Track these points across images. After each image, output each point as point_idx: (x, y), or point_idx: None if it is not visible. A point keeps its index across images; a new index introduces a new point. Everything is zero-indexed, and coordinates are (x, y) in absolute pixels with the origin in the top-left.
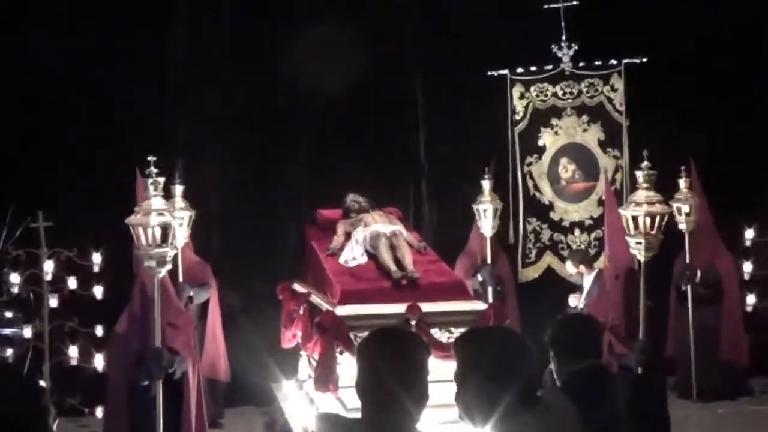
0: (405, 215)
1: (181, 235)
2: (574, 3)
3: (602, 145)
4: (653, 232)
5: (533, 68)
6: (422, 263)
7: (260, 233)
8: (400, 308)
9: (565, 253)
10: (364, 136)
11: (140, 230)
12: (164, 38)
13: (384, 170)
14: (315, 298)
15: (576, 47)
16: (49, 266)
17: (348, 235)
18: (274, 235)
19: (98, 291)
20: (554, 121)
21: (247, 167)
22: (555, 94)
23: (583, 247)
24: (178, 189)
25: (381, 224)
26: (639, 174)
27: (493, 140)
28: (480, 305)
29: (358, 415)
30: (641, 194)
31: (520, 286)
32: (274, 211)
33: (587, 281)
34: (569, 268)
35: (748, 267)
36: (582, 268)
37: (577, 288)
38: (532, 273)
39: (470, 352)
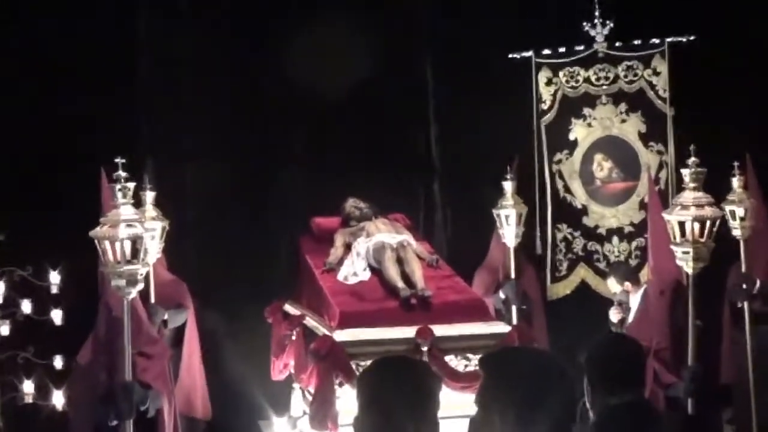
0: (414, 223)
1: (154, 249)
2: None
3: (643, 138)
4: (703, 240)
5: (562, 50)
6: (435, 279)
7: (246, 246)
8: (409, 332)
9: (601, 265)
10: (367, 133)
11: (107, 244)
12: (134, 19)
13: (390, 171)
14: (310, 321)
15: (611, 24)
16: None
17: (348, 247)
18: (262, 248)
19: (57, 316)
20: (587, 111)
21: (231, 169)
22: (588, 80)
23: (622, 258)
24: (150, 195)
25: (386, 234)
26: (686, 172)
27: (516, 135)
28: (503, 327)
29: None
30: (688, 195)
31: (549, 305)
32: (262, 220)
33: (635, 300)
34: (612, 286)
35: None
36: (628, 285)
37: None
38: (563, 289)
39: (498, 371)
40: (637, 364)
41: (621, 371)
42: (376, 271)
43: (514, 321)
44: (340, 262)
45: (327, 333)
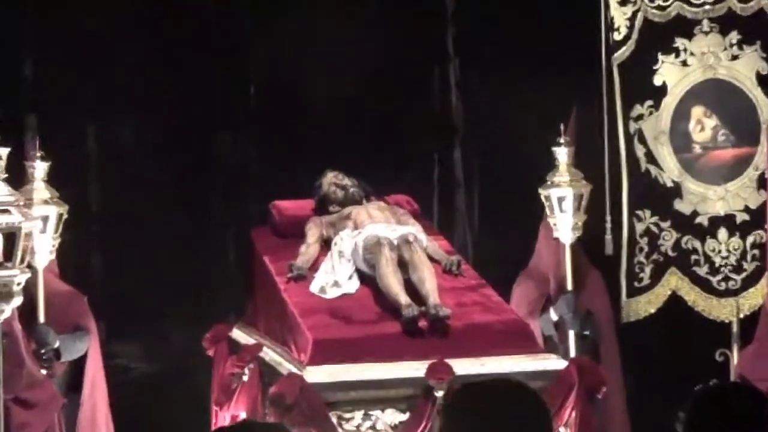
0: (424, 209)
1: (44, 247)
2: None
3: (765, 83)
4: None
5: None
6: (455, 291)
7: (176, 244)
8: (416, 370)
9: (701, 271)
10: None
11: None
12: None
13: (389, 133)
14: (269, 354)
15: None
16: None
17: (326, 244)
18: (199, 247)
19: None
20: (681, 43)
21: (159, 133)
22: None
23: (732, 260)
24: (39, 168)
25: (383, 224)
26: None
27: (575, 79)
28: (555, 362)
29: None
30: None
31: (624, 330)
32: (200, 206)
33: None
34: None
35: None
36: None
37: None
38: (645, 306)
39: (456, 419)
40: (761, 424)
41: None
42: (368, 280)
43: (572, 353)
44: (315, 266)
45: (295, 371)
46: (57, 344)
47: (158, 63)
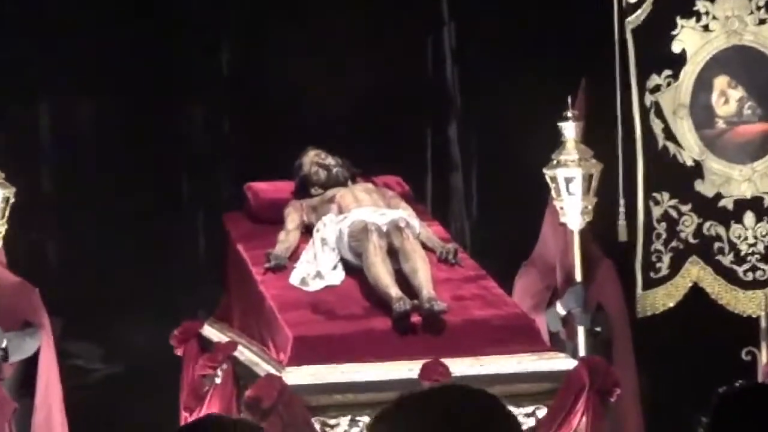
0: (416, 192)
1: None
2: None
3: None
4: None
5: None
6: (451, 283)
7: (139, 229)
8: (408, 370)
9: (726, 260)
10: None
11: None
12: None
13: (378, 110)
14: (245, 354)
15: None
16: None
17: (308, 230)
18: (166, 235)
19: None
20: (702, 6)
21: (118, 111)
22: None
23: (761, 247)
24: None
25: (371, 208)
26: None
27: (584, 46)
28: (563, 362)
29: None
30: None
31: (639, 325)
32: (165, 187)
33: None
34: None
35: None
36: None
37: None
38: (662, 300)
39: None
40: None
41: None
42: (354, 271)
43: (582, 352)
44: (295, 255)
45: (273, 372)
46: (4, 343)
47: (117, 29)
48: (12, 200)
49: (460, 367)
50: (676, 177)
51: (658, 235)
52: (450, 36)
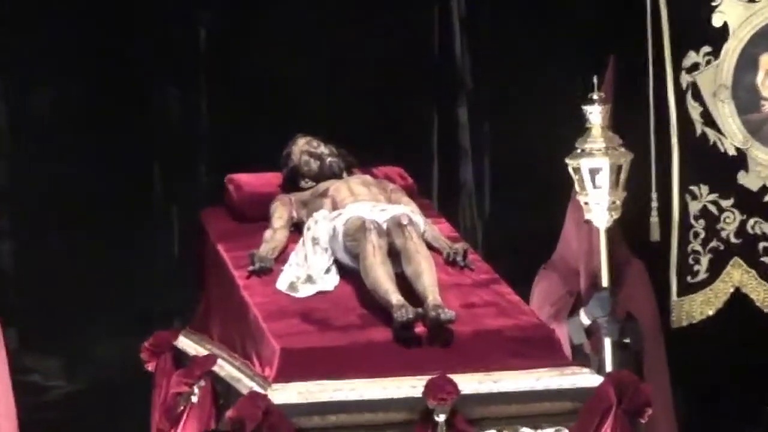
0: (421, 184)
1: None
2: None
3: None
4: None
5: None
6: (460, 289)
7: (106, 231)
8: (411, 387)
9: None
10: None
11: None
12: None
13: (378, 91)
14: (225, 368)
15: None
16: None
17: (297, 228)
18: (136, 235)
19: None
20: None
21: (81, 94)
22: None
23: None
24: None
25: (368, 203)
26: None
27: (612, 17)
28: (587, 377)
29: None
30: None
31: (675, 337)
32: (137, 183)
33: None
34: None
35: None
36: None
37: None
38: (701, 307)
39: None
40: None
41: None
42: (350, 274)
43: (609, 366)
44: (283, 256)
45: (258, 390)
46: None
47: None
48: None
49: (471, 384)
50: (716, 168)
51: (696, 234)
52: (459, 4)
